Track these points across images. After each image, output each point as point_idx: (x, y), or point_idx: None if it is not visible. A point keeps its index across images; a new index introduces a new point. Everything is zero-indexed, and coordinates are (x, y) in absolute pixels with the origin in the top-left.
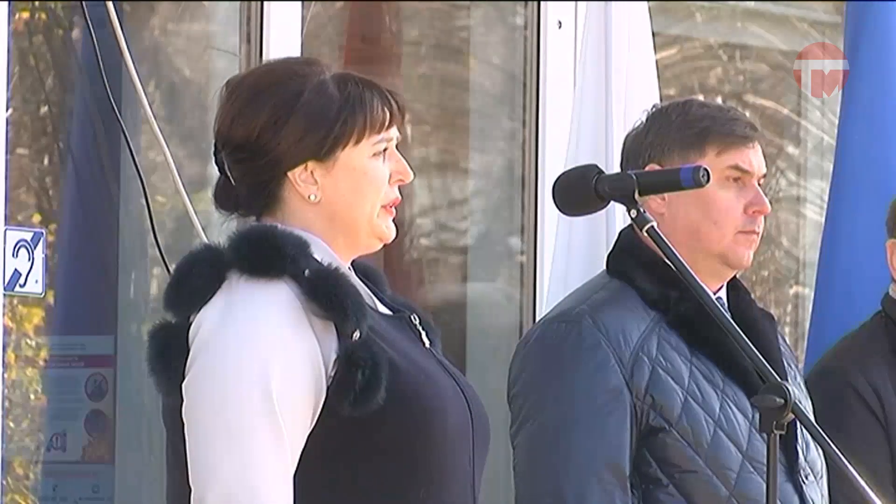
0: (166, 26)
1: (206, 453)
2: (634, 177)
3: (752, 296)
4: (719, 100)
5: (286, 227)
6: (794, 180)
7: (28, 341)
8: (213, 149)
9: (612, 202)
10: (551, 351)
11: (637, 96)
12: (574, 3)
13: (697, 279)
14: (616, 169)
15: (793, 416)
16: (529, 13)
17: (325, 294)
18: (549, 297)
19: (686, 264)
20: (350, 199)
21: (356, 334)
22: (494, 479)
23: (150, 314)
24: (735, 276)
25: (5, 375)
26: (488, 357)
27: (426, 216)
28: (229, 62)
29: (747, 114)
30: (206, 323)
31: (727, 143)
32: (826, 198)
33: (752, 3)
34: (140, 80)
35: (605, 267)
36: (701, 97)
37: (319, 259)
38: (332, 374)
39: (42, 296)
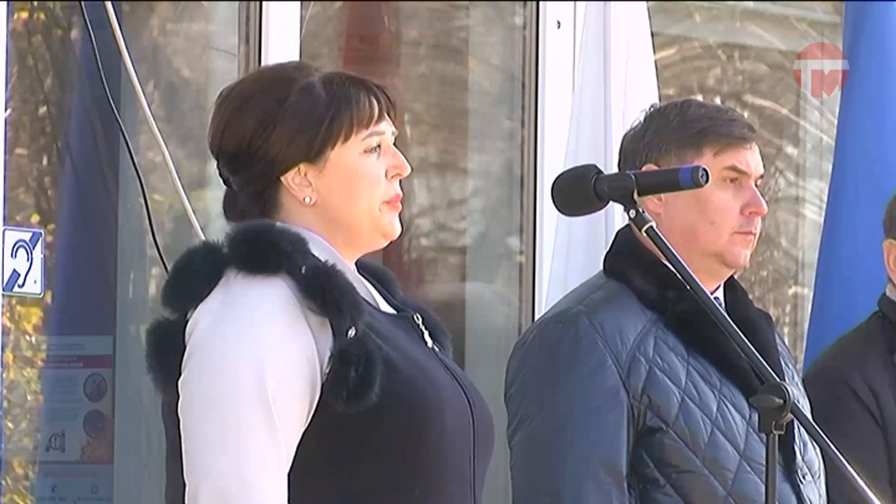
0: (165, 26)
1: (201, 448)
2: (633, 177)
3: (750, 296)
4: (718, 100)
5: (286, 224)
6: (794, 180)
7: (27, 341)
8: (215, 162)
9: (610, 202)
10: (548, 351)
11: (636, 96)
12: (573, 3)
13: (696, 279)
14: (615, 169)
15: (791, 417)
16: (528, 13)
17: (320, 291)
18: (548, 297)
19: (685, 264)
20: (345, 198)
21: (351, 332)
22: (493, 479)
23: (149, 314)
24: (732, 276)
25: (4, 376)
26: (486, 357)
27: (425, 216)
28: (228, 62)
29: (746, 114)
30: (203, 319)
31: (725, 144)
32: (825, 198)
33: (751, 3)
34: (139, 81)
35: (602, 267)
36: (700, 97)
37: (319, 257)
38: (327, 371)
39: (41, 296)
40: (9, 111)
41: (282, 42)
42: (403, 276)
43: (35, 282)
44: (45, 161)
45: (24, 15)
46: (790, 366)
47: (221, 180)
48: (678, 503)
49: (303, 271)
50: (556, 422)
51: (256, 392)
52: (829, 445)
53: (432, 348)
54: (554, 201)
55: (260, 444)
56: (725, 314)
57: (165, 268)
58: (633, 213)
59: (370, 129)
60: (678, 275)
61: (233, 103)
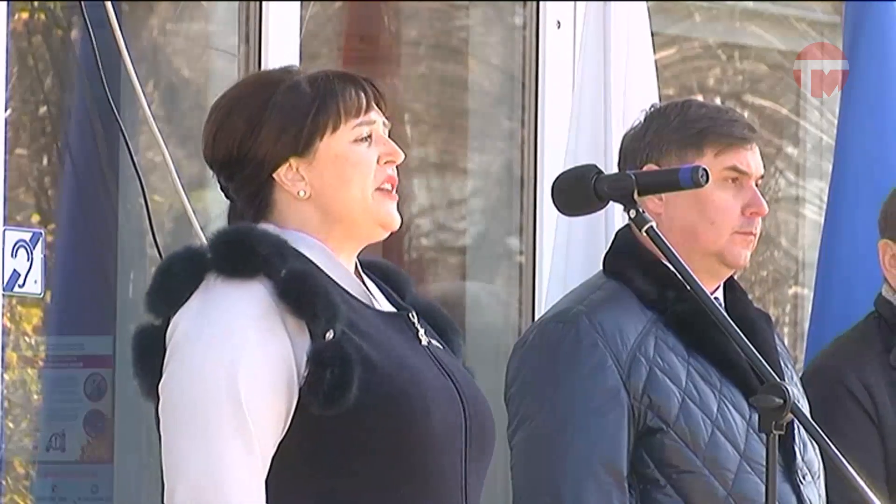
0: (165, 26)
1: (176, 449)
2: (633, 177)
3: (750, 296)
4: (718, 100)
5: (278, 228)
6: (794, 180)
7: (27, 341)
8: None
9: (610, 202)
10: (549, 351)
11: (636, 96)
12: (573, 3)
13: (696, 279)
14: (615, 169)
15: (791, 417)
16: (528, 13)
17: (295, 294)
18: (548, 297)
19: (685, 264)
20: (338, 187)
21: (329, 334)
22: (493, 479)
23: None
24: (732, 277)
25: (4, 376)
26: (486, 357)
27: (425, 216)
28: (228, 62)
29: (746, 114)
30: (181, 324)
31: (725, 144)
32: (825, 198)
33: (751, 3)
34: (139, 81)
35: (601, 267)
36: (700, 97)
37: (310, 257)
38: (305, 373)
39: (41, 296)
40: (9, 111)
41: (282, 42)
42: None
43: (35, 282)
44: (45, 161)
45: (25, 15)
46: (789, 366)
47: (222, 192)
48: (678, 503)
49: (282, 274)
50: (557, 422)
51: (227, 395)
52: (829, 445)
53: (426, 346)
54: (554, 201)
55: (231, 445)
56: (725, 314)
57: None
58: (633, 212)
59: (360, 118)
60: (678, 275)
61: (222, 110)
